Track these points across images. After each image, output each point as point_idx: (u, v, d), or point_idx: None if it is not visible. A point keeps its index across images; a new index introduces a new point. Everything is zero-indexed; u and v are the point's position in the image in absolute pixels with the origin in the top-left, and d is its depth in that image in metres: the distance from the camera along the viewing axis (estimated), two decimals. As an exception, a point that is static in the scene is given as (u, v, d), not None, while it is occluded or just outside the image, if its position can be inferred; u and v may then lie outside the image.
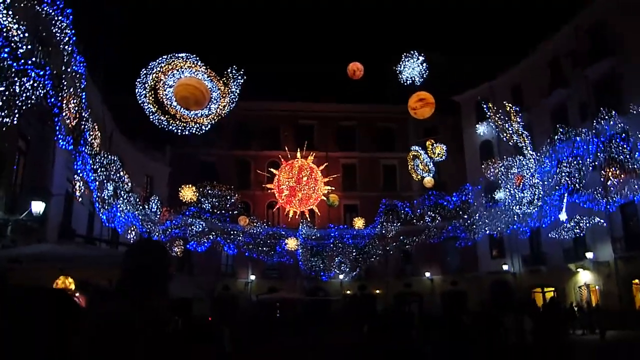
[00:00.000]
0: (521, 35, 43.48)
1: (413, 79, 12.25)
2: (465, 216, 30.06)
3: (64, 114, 12.68)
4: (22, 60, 10.01)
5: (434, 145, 24.19)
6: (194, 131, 14.51)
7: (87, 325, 2.21)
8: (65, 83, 12.60)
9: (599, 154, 19.88)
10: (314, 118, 38.75)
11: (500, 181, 21.44)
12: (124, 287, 2.28)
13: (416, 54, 12.20)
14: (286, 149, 33.83)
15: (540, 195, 19.38)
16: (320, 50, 64.02)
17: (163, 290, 2.37)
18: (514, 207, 20.42)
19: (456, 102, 35.75)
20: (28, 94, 10.33)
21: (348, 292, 34.17)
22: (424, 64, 12.14)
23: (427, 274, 34.27)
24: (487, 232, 27.95)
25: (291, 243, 29.35)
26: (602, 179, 19.77)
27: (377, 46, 56.30)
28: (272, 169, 33.60)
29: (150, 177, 30.75)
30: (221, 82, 12.66)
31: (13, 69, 9.75)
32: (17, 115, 9.96)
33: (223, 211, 28.83)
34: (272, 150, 36.30)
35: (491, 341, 8.98)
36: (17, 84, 9.92)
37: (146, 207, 24.35)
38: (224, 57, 13.59)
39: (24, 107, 10.19)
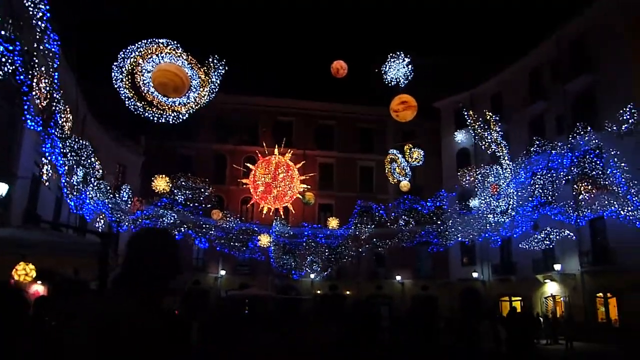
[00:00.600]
0: (503, 44, 44.08)
1: (398, 80, 12.12)
2: (439, 222, 30.30)
3: (33, 93, 12.11)
4: (-10, 33, 9.47)
5: (412, 149, 24.32)
6: (170, 120, 14.10)
7: (81, 325, 1.95)
8: (36, 61, 12.03)
9: (572, 168, 20.21)
10: (294, 115, 38.46)
11: (476, 189, 21.58)
12: (123, 282, 2.04)
13: (402, 55, 12.07)
14: (264, 144, 33.50)
15: (514, 206, 19.56)
16: (304, 47, 63.81)
17: (166, 286, 2.16)
18: (489, 216, 20.56)
19: (436, 108, 35.98)
20: (-5, 68, 9.79)
21: (319, 291, 34.03)
22: (409, 66, 12.02)
23: (398, 278, 34.42)
24: (459, 239, 28.20)
25: (264, 239, 28.98)
26: (574, 193, 20.07)
27: (360, 46, 56.34)
28: (248, 164, 33.20)
29: (123, 166, 29.95)
30: (202, 70, 12.27)
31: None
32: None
33: (196, 204, 28.27)
34: (250, 146, 35.91)
35: (466, 346, 8.93)
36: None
37: (117, 195, 23.68)
38: (206, 47, 13.16)
39: (-11, 83, 9.65)
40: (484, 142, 18.81)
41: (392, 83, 12.21)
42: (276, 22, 64.65)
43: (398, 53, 12.07)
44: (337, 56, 15.88)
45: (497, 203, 19.86)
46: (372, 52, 45.04)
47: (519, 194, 21.43)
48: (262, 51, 62.28)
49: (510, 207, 19.53)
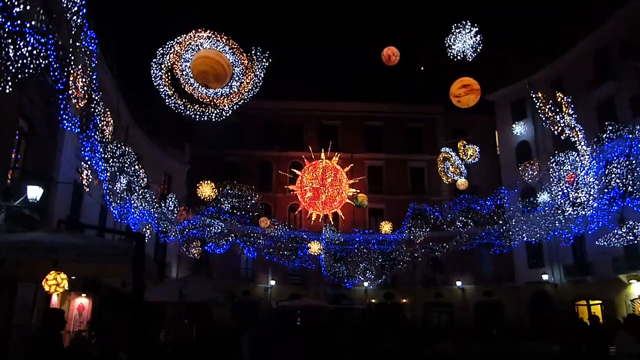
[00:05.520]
0: (562, 26, 40.94)
1: (465, 53, 10.58)
2: (501, 222, 28.17)
3: (70, 92, 11.38)
4: (19, 21, 8.73)
5: (466, 146, 22.53)
6: (213, 117, 13.14)
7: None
8: (72, 57, 11.31)
9: (656, 152, 17.86)
10: (339, 118, 37.28)
11: (551, 180, 19.43)
12: None
13: (468, 24, 10.54)
14: (310, 149, 32.44)
15: (595, 196, 17.36)
16: (345, 49, 62.71)
17: None
18: (567, 209, 18.40)
19: (489, 101, 33.74)
20: (25, 61, 9.05)
21: (373, 300, 32.34)
22: (478, 36, 10.47)
23: (459, 283, 32.22)
24: (525, 239, 25.97)
25: (314, 247, 27.75)
26: (661, 181, 17.67)
27: (404, 43, 54.61)
28: (295, 170, 32.19)
29: (168, 175, 29.56)
30: (244, 55, 11.17)
31: (6, 29, 8.42)
32: (10, 84, 8.64)
33: (243, 212, 27.44)
34: (295, 151, 34.94)
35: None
36: (12, 47, 8.61)
37: (163, 205, 23.11)
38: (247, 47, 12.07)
39: (19, 76, 8.88)
40: (556, 127, 16.77)
41: (459, 57, 10.66)
42: (315, 24, 64.03)
43: (464, 22, 10.54)
44: (379, 55, 14.50)
45: (575, 194, 17.70)
46: (417, 49, 43.38)
47: (592, 185, 19.22)
48: (302, 54, 61.66)
49: (591, 197, 17.34)
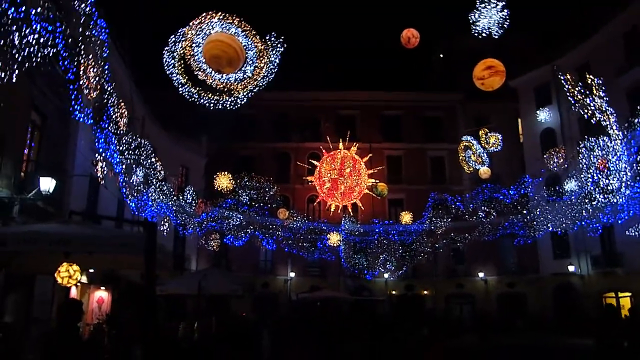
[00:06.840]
0: (585, 11, 39.49)
1: (490, 30, 9.96)
2: (525, 211, 27.36)
3: (81, 82, 11.13)
4: (23, 7, 8.45)
5: (488, 134, 21.83)
6: (228, 105, 12.77)
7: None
8: (82, 47, 11.04)
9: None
10: (356, 108, 36.69)
11: (579, 166, 18.62)
12: None
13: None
14: (328, 140, 32.00)
15: (629, 183, 16.53)
16: (361, 35, 61.83)
17: None
18: (597, 196, 17.63)
19: (511, 88, 32.72)
20: (32, 49, 8.79)
21: (394, 292, 31.90)
22: (505, 10, 9.84)
23: (481, 274, 31.52)
24: (550, 229, 25.17)
25: (333, 238, 27.39)
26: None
27: (421, 29, 53.55)
28: (313, 161, 31.82)
29: (185, 168, 29.46)
30: (258, 38, 10.74)
31: (9, 16, 8.15)
32: (16, 72, 8.39)
33: (261, 204, 27.19)
34: (313, 142, 34.55)
35: None
36: (17, 34, 8.35)
37: (181, 197, 22.96)
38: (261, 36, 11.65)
39: (27, 64, 8.62)
40: (586, 111, 15.97)
41: (484, 34, 10.05)
42: (329, 13, 63.22)
43: (489, -4, 9.90)
44: (396, 43, 13.99)
45: (606, 181, 16.88)
46: (435, 35, 42.38)
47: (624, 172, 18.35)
48: (317, 43, 60.98)
49: (623, 184, 16.52)
